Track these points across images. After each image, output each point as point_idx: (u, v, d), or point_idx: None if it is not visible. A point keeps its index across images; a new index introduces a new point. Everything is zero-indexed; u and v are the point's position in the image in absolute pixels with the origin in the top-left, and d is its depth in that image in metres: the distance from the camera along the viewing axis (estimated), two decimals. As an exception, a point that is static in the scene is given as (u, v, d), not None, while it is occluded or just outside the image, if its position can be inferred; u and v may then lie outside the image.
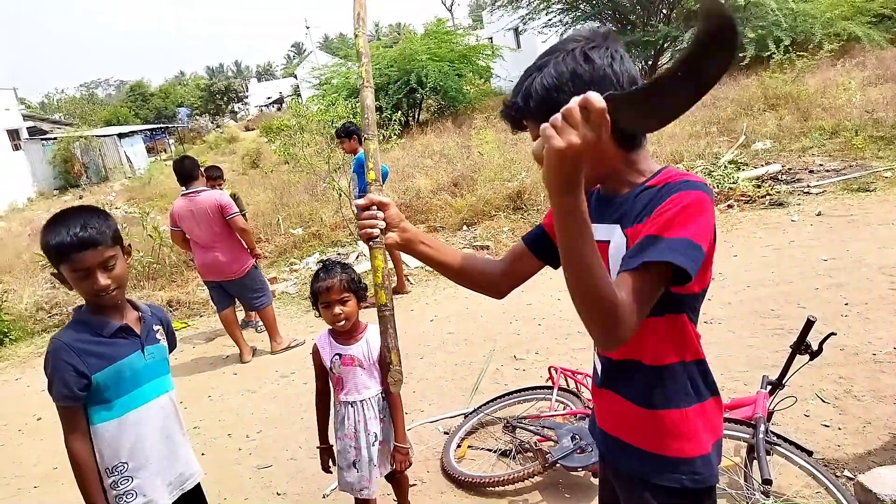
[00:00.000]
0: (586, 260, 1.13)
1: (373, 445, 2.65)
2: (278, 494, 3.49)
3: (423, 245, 1.67)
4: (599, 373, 1.55)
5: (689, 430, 1.42)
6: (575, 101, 1.04)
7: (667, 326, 1.38)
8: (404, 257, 7.59)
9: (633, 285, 1.19)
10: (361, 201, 1.58)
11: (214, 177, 6.08)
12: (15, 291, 8.71)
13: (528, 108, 1.34)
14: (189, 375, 5.48)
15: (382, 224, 1.58)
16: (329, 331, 2.71)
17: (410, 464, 2.77)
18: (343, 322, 2.58)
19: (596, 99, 1.02)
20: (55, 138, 30.55)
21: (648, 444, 1.45)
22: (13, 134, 30.62)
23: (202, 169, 5.70)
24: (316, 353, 2.71)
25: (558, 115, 1.06)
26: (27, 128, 32.28)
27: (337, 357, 2.65)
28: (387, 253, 6.05)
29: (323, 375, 2.72)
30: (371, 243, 1.57)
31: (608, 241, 1.38)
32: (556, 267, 1.57)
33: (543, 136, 1.08)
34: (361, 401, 2.65)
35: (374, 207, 1.58)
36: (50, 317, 8.03)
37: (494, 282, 1.72)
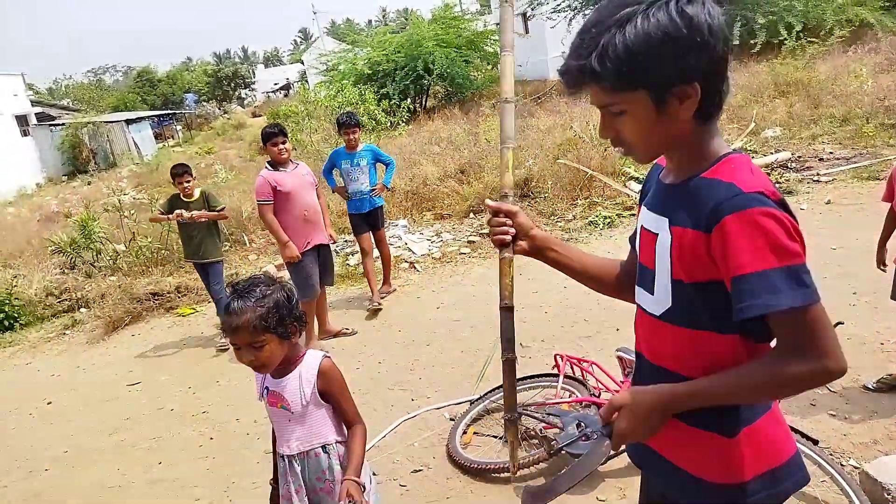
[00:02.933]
0: (739, 393, 1.20)
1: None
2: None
3: (553, 251, 1.57)
4: (635, 369, 1.47)
5: (728, 457, 1.26)
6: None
7: (746, 343, 1.22)
8: (405, 245, 7.58)
9: (801, 324, 1.11)
10: (492, 203, 1.55)
11: (180, 173, 5.61)
12: (24, 277, 8.78)
13: (604, 73, 1.12)
14: (198, 361, 5.53)
15: (513, 231, 1.51)
16: None
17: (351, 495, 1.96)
18: (261, 369, 2.02)
19: None
20: (63, 124, 30.66)
21: (679, 460, 1.33)
22: (21, 120, 30.74)
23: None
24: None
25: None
26: (35, 113, 32.39)
27: (265, 391, 2.11)
28: (382, 248, 5.63)
29: None
30: (502, 252, 1.52)
31: (657, 234, 1.28)
32: None
33: (622, 443, 1.25)
34: (289, 456, 2.07)
35: (503, 216, 1.52)
36: (59, 302, 8.10)
37: (616, 286, 1.61)
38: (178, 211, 5.46)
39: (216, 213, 5.63)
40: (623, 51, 1.09)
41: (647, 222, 1.33)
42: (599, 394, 3.41)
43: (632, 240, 1.54)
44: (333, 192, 6.35)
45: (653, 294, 1.31)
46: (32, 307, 7.89)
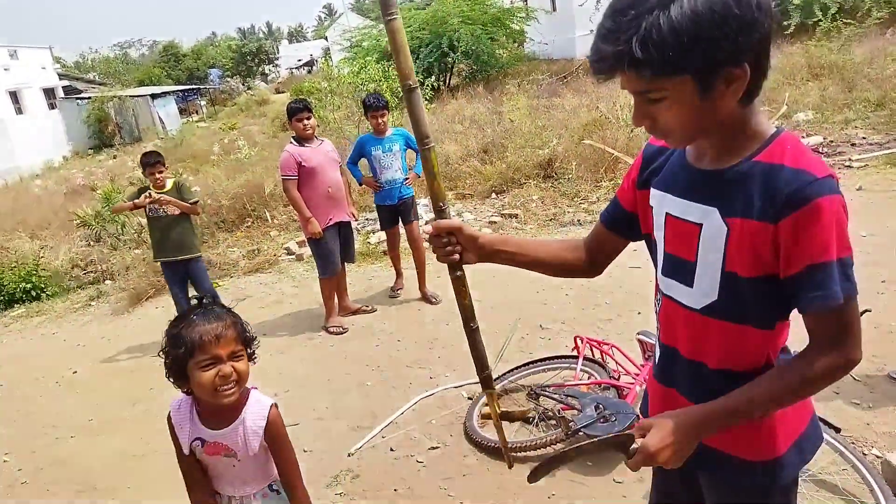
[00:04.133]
0: (772, 405, 1.20)
1: None
2: (305, 451, 3.57)
3: (503, 252, 1.49)
4: (658, 361, 1.42)
5: (765, 434, 1.28)
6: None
7: (770, 335, 1.23)
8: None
9: (830, 329, 1.14)
10: (428, 228, 1.48)
11: (151, 163, 5.07)
12: (51, 248, 8.94)
13: (647, 59, 1.01)
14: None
15: (459, 248, 1.42)
16: (193, 402, 1.85)
17: None
18: (233, 389, 1.75)
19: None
20: (89, 98, 30.98)
21: (714, 443, 1.31)
22: (49, 93, 31.13)
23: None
24: (171, 429, 1.87)
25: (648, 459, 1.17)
26: (62, 87, 32.77)
27: (198, 442, 1.84)
28: (414, 246, 5.58)
29: (187, 457, 1.88)
30: (454, 271, 1.45)
31: (700, 225, 1.20)
32: (638, 240, 1.47)
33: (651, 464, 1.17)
34: (242, 497, 1.93)
35: (445, 235, 1.42)
36: (85, 273, 8.24)
37: (582, 268, 1.56)
38: (147, 192, 4.97)
39: (189, 205, 5.13)
40: (669, 33, 0.99)
41: (680, 211, 1.25)
42: (619, 376, 3.40)
43: (605, 219, 1.50)
44: (361, 184, 5.79)
45: (692, 286, 1.25)
46: (59, 278, 8.04)
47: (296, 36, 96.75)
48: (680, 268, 1.27)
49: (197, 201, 5.31)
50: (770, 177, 1.11)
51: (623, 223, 1.47)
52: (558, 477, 2.99)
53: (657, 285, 1.39)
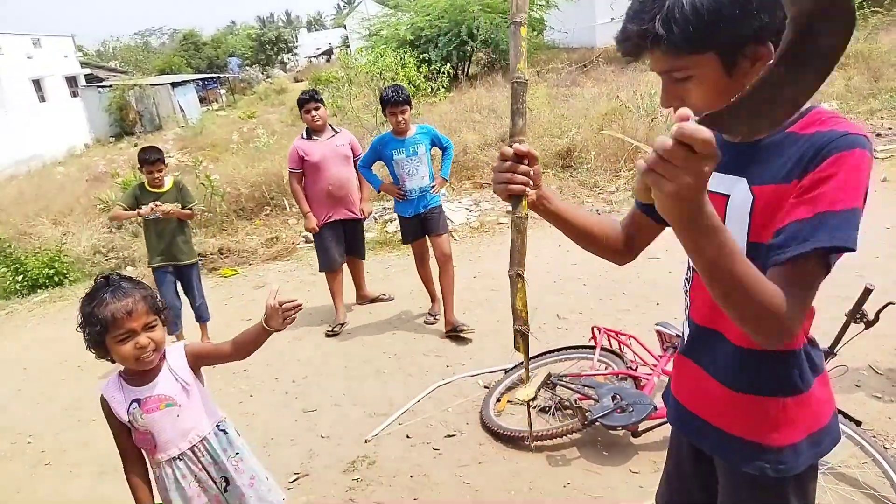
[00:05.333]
0: (736, 280, 0.99)
1: (225, 491, 2.06)
2: (322, 437, 3.61)
3: (556, 204, 1.44)
4: (685, 338, 1.41)
5: (784, 420, 1.26)
6: (671, 136, 0.84)
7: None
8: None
9: (798, 276, 1.04)
10: (509, 150, 1.29)
11: (151, 160, 4.55)
12: (73, 234, 9.06)
13: (671, 36, 1.05)
14: (239, 322, 5.65)
15: (527, 180, 1.30)
16: (121, 372, 2.00)
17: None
18: (152, 355, 1.90)
19: (696, 132, 0.82)
20: (111, 86, 31.25)
21: (729, 426, 1.31)
22: (71, 81, 31.45)
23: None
24: (106, 408, 1.98)
25: (654, 155, 0.87)
26: (84, 75, 33.10)
27: (135, 405, 1.95)
28: (443, 267, 4.78)
29: (124, 434, 1.99)
30: (517, 208, 1.32)
31: (727, 196, 1.20)
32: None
33: (646, 179, 0.90)
34: (192, 448, 2.02)
35: (514, 159, 1.30)
36: (107, 260, 8.35)
37: (620, 250, 1.54)
38: (153, 203, 4.48)
39: (188, 212, 4.72)
40: (691, 11, 1.03)
41: (712, 185, 1.17)
42: (636, 367, 3.38)
43: (640, 203, 1.47)
44: (379, 192, 4.99)
45: None
46: (81, 264, 8.15)
47: (314, 24, 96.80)
48: None
49: (194, 204, 4.89)
50: (802, 143, 1.11)
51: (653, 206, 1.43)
52: (573, 466, 3.00)
53: (689, 263, 1.37)
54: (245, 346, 2.05)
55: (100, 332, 1.84)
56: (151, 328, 1.89)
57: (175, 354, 2.07)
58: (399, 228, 5.09)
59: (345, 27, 45.46)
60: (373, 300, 5.51)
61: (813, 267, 1.05)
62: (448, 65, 16.36)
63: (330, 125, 5.03)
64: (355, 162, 5.00)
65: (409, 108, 4.52)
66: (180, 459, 2.00)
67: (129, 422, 1.94)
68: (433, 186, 4.68)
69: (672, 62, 1.10)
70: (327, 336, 5.00)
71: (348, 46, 27.72)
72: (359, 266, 5.43)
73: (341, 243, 5.11)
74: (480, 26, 18.08)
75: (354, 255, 5.30)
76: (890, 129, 7.84)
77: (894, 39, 11.05)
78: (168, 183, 4.70)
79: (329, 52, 50.92)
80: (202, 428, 2.05)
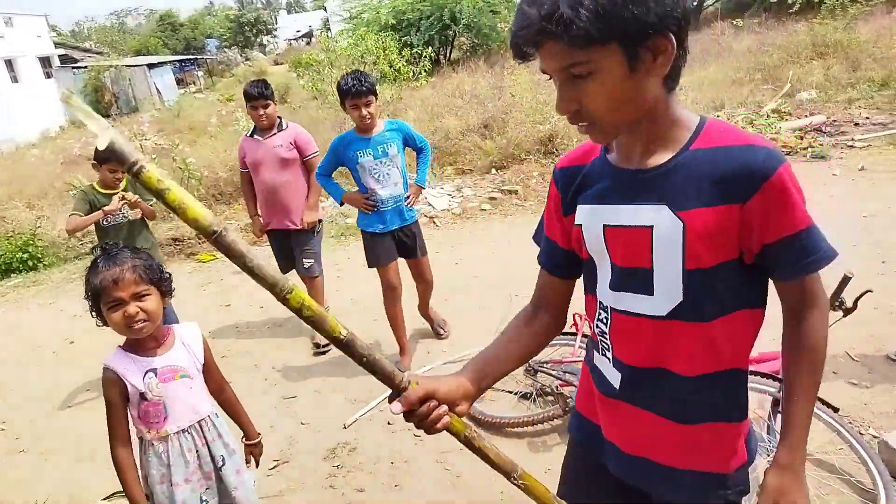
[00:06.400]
0: (815, 387, 1.18)
1: (220, 469, 2.10)
2: (302, 424, 3.58)
3: (485, 382, 1.34)
4: (612, 381, 1.28)
5: (737, 443, 1.24)
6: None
7: (745, 322, 1.17)
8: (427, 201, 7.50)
9: (815, 285, 1.16)
10: (397, 407, 1.18)
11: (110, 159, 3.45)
12: (48, 218, 8.89)
13: (578, 20, 0.95)
14: (217, 308, 5.59)
15: (444, 409, 1.20)
16: (123, 346, 1.99)
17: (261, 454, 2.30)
18: (143, 325, 1.88)
19: (398, 410, 1.11)
20: (86, 67, 30.66)
21: (684, 462, 1.24)
22: (45, 61, 30.78)
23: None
24: (113, 383, 1.94)
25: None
26: (58, 56, 32.39)
27: (152, 374, 1.94)
28: (423, 293, 4.25)
29: (122, 410, 1.97)
30: (466, 438, 1.22)
31: (650, 227, 1.12)
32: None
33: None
34: (200, 421, 2.05)
35: (422, 405, 1.19)
36: (82, 244, 8.19)
37: (552, 331, 1.45)
38: (121, 194, 3.86)
39: (152, 208, 4.06)
40: None
41: (624, 218, 1.15)
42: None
43: (548, 267, 1.38)
44: (342, 204, 3.90)
45: (652, 294, 1.15)
46: (55, 248, 8.00)
47: (294, 6, 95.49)
48: (634, 278, 1.17)
49: (153, 202, 4.08)
50: (718, 160, 1.07)
51: (568, 264, 1.35)
52: (555, 452, 3.00)
53: (595, 305, 1.29)
54: (225, 404, 2.23)
55: (94, 300, 1.90)
56: (142, 297, 1.88)
57: (190, 332, 2.13)
58: (366, 262, 3.95)
59: (325, 9, 44.89)
60: None
61: (818, 277, 1.15)
62: (430, 49, 16.22)
63: (279, 118, 4.34)
64: (306, 162, 4.32)
65: (374, 98, 3.61)
66: (188, 432, 2.03)
67: (142, 395, 1.93)
68: (407, 197, 3.85)
69: (573, 55, 1.00)
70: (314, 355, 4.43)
71: (329, 29, 27.33)
72: (314, 285, 4.47)
73: (285, 256, 4.52)
74: (463, 10, 17.96)
75: (300, 272, 4.43)
76: (867, 118, 7.93)
77: (873, 29, 11.15)
78: (122, 183, 4.00)
79: (309, 35, 50.32)
80: (206, 407, 2.09)
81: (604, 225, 1.19)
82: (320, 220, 4.51)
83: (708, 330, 1.14)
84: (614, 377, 1.26)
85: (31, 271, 7.59)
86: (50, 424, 4.01)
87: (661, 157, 1.12)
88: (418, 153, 3.98)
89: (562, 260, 1.36)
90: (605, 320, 1.26)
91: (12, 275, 7.54)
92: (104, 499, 3.19)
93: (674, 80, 1.09)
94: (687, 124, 1.13)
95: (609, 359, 1.27)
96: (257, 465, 2.32)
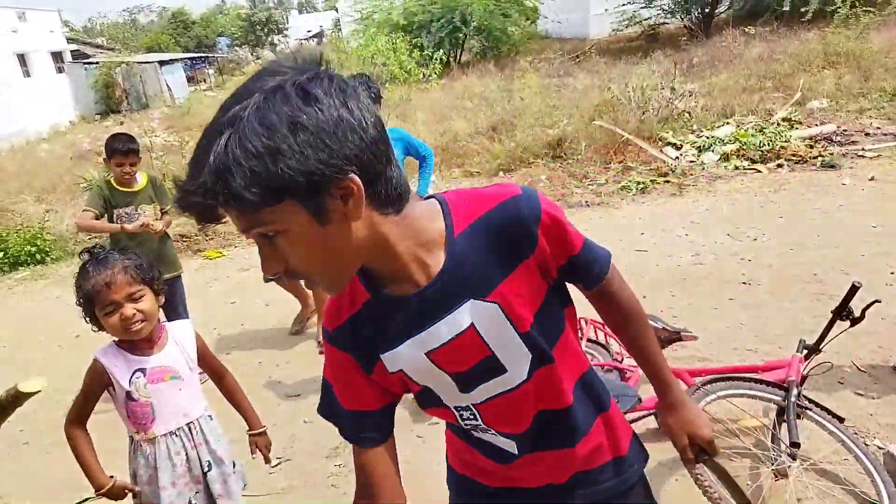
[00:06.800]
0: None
1: (207, 474, 2.07)
2: (305, 422, 3.58)
3: None
4: (508, 448, 1.24)
5: (619, 423, 1.31)
6: None
7: (570, 326, 1.22)
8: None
9: (611, 276, 1.26)
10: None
11: (123, 151, 3.66)
12: (57, 212, 8.93)
13: (235, 190, 0.83)
14: (224, 304, 5.60)
15: None
16: (118, 341, 1.97)
17: (270, 445, 2.26)
18: (141, 325, 1.87)
19: None
20: (97, 63, 30.81)
21: (594, 461, 1.27)
22: (57, 56, 30.95)
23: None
24: (98, 374, 1.95)
25: None
26: (70, 51, 32.58)
27: (139, 374, 1.92)
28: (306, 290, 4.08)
29: (90, 401, 2.01)
30: None
31: (471, 325, 1.07)
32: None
33: None
34: (189, 424, 2.02)
35: None
36: (89, 239, 8.23)
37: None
38: (144, 219, 3.71)
39: (168, 218, 4.00)
40: (244, 155, 0.83)
41: (442, 335, 1.08)
42: (622, 359, 3.38)
43: (361, 430, 1.20)
44: None
45: (507, 371, 1.13)
46: (63, 242, 8.04)
47: (306, 6, 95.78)
48: (481, 370, 1.13)
49: (170, 207, 3.94)
50: (488, 231, 1.05)
51: (387, 422, 1.23)
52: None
53: (450, 412, 1.22)
54: (226, 391, 2.21)
55: (88, 306, 1.87)
56: (136, 298, 1.87)
57: (183, 330, 2.10)
58: None
59: (336, 10, 45.01)
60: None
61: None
62: (440, 51, 16.24)
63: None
64: None
65: (378, 106, 3.53)
66: (176, 435, 2.00)
67: (128, 395, 1.92)
68: None
69: (251, 218, 0.90)
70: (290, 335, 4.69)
71: (340, 30, 27.41)
72: (317, 293, 4.39)
73: None
74: (474, 13, 17.97)
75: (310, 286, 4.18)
76: (878, 128, 7.88)
77: (885, 39, 11.09)
78: (142, 180, 3.85)
79: (320, 35, 50.47)
80: (198, 409, 2.06)
81: (426, 353, 1.11)
82: None
83: (558, 358, 1.17)
84: (509, 445, 1.23)
85: (39, 264, 7.63)
86: (52, 417, 4.02)
87: (434, 264, 1.05)
88: (421, 162, 3.82)
89: (379, 421, 1.20)
90: (472, 416, 1.21)
91: (20, 268, 7.58)
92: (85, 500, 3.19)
93: (392, 204, 0.98)
94: (434, 219, 1.06)
95: (496, 433, 1.22)
96: (266, 460, 2.26)
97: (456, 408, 1.21)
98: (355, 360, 1.17)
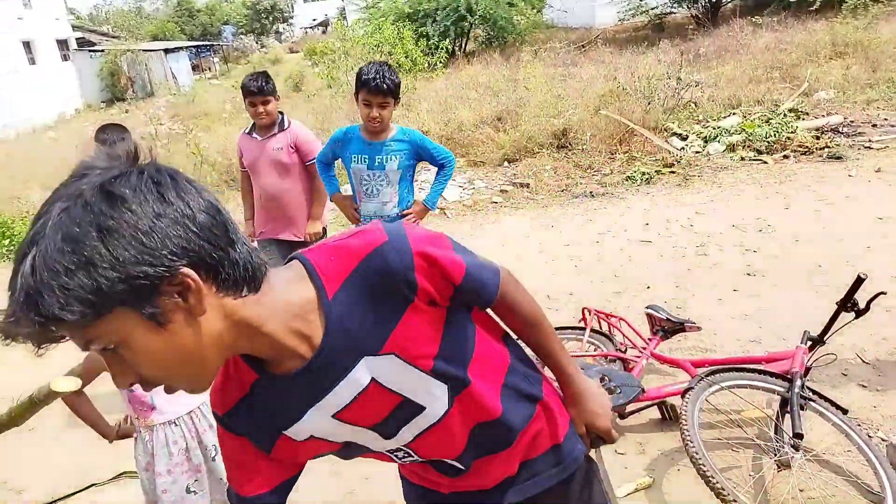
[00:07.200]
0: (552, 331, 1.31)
1: (213, 459, 2.10)
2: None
3: None
4: (456, 465, 1.25)
5: (553, 413, 1.31)
6: None
7: (486, 333, 1.22)
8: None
9: (504, 289, 1.19)
10: None
11: (111, 143, 2.68)
12: (63, 200, 8.95)
13: (42, 313, 0.76)
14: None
15: None
16: None
17: None
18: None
19: None
20: (103, 50, 30.77)
21: (531, 452, 1.28)
22: (62, 44, 30.91)
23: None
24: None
25: None
26: (76, 38, 32.52)
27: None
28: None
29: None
30: None
31: (372, 380, 1.04)
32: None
33: None
34: (190, 412, 2.08)
35: None
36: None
37: None
38: None
39: None
40: (52, 274, 0.75)
41: (345, 397, 1.05)
42: (626, 350, 3.38)
43: None
44: (332, 200, 3.78)
45: (426, 408, 1.11)
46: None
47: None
48: (399, 416, 1.11)
49: None
50: (361, 288, 0.99)
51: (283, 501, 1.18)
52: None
53: (387, 454, 1.22)
54: None
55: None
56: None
57: None
58: None
59: (342, -2, 44.80)
60: None
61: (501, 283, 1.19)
62: (446, 40, 16.16)
63: (281, 114, 3.92)
64: (308, 167, 3.90)
65: (393, 101, 3.19)
66: (176, 424, 2.02)
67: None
68: (404, 215, 3.42)
69: (84, 335, 0.82)
70: None
71: (345, 18, 27.29)
72: None
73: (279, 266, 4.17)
74: (479, 1, 17.86)
75: None
76: (886, 119, 7.82)
77: (893, 30, 10.98)
78: None
79: (325, 24, 50.23)
80: (199, 396, 2.06)
81: (333, 416, 1.07)
82: (324, 230, 4.10)
83: (474, 376, 1.14)
84: (454, 463, 1.25)
85: (45, 252, 7.66)
86: (60, 406, 4.05)
87: (315, 334, 0.99)
88: (439, 169, 3.49)
89: (273, 501, 1.16)
90: (406, 454, 1.21)
91: (26, 255, 7.62)
92: (111, 478, 3.23)
93: (246, 285, 0.90)
94: (302, 286, 0.98)
95: (440, 460, 1.24)
96: None
97: (388, 451, 1.19)
98: (251, 442, 1.11)
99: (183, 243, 0.81)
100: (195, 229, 0.83)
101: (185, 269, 0.82)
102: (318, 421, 1.07)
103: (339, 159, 3.55)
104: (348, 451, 1.18)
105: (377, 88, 3.10)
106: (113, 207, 0.78)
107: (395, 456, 1.22)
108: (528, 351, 1.33)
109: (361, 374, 1.03)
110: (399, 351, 1.03)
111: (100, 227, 0.77)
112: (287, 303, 0.96)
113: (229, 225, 0.88)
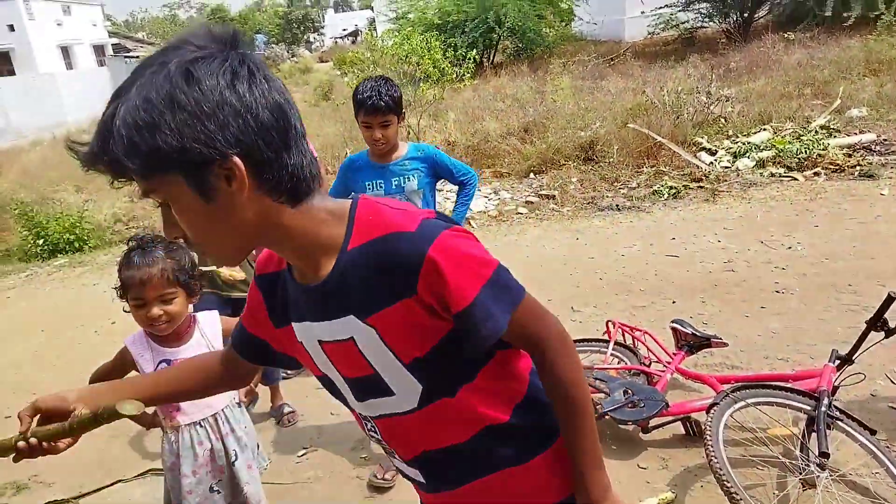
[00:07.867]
0: (591, 429, 1.14)
1: (234, 464, 2.11)
2: (332, 414, 3.62)
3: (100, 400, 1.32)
4: (416, 477, 1.25)
5: (541, 481, 1.20)
6: None
7: (497, 371, 1.13)
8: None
9: (525, 322, 1.07)
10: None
11: None
12: (95, 202, 9.16)
13: (113, 154, 0.88)
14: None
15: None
16: (146, 331, 2.04)
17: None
18: (164, 326, 1.94)
19: None
20: (138, 56, 31.43)
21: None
22: (99, 49, 31.70)
23: None
24: (124, 358, 2.05)
25: None
26: (112, 44, 33.31)
27: (164, 365, 1.98)
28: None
29: (109, 375, 2.03)
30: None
31: (351, 339, 1.06)
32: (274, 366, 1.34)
33: None
34: (214, 415, 2.07)
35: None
36: (127, 228, 8.44)
37: (222, 383, 1.39)
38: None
39: None
40: (125, 127, 0.86)
41: (328, 334, 1.09)
42: (650, 364, 3.37)
43: (236, 344, 1.31)
44: None
45: (394, 394, 1.10)
46: (101, 232, 8.26)
47: (342, 5, 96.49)
48: (370, 385, 1.11)
49: None
50: (372, 258, 1.00)
51: (253, 350, 1.29)
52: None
53: (359, 417, 1.23)
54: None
55: (123, 290, 1.94)
56: (167, 300, 1.92)
57: (210, 321, 2.14)
58: None
59: (372, 9, 45.26)
60: None
61: (522, 313, 1.06)
62: (474, 51, 16.25)
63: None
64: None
65: (395, 118, 2.86)
66: (201, 426, 2.05)
67: None
68: None
69: (144, 184, 0.93)
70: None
71: (375, 28, 27.56)
72: None
73: None
74: (508, 13, 17.92)
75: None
76: (920, 138, 7.70)
77: (931, 47, 10.81)
78: None
79: (355, 34, 50.82)
80: (222, 399, 2.09)
81: (318, 341, 1.11)
82: None
83: (462, 399, 1.10)
84: (415, 473, 1.23)
85: (77, 252, 7.84)
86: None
87: (325, 268, 1.03)
88: (460, 188, 3.24)
89: (247, 343, 1.29)
90: (373, 429, 1.21)
91: (59, 255, 7.80)
92: (137, 475, 3.29)
93: (285, 193, 0.96)
94: (337, 222, 1.02)
95: (400, 458, 1.22)
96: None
97: (361, 415, 1.21)
98: (267, 309, 1.21)
99: (239, 135, 0.89)
100: (253, 125, 0.89)
101: (236, 158, 0.89)
102: (309, 336, 1.13)
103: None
104: (329, 387, 1.21)
105: (374, 108, 2.79)
106: (188, 84, 0.86)
107: (367, 425, 1.22)
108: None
109: (344, 327, 1.06)
110: (383, 333, 1.04)
111: (171, 99, 0.86)
112: (316, 230, 1.01)
113: (291, 130, 0.94)
